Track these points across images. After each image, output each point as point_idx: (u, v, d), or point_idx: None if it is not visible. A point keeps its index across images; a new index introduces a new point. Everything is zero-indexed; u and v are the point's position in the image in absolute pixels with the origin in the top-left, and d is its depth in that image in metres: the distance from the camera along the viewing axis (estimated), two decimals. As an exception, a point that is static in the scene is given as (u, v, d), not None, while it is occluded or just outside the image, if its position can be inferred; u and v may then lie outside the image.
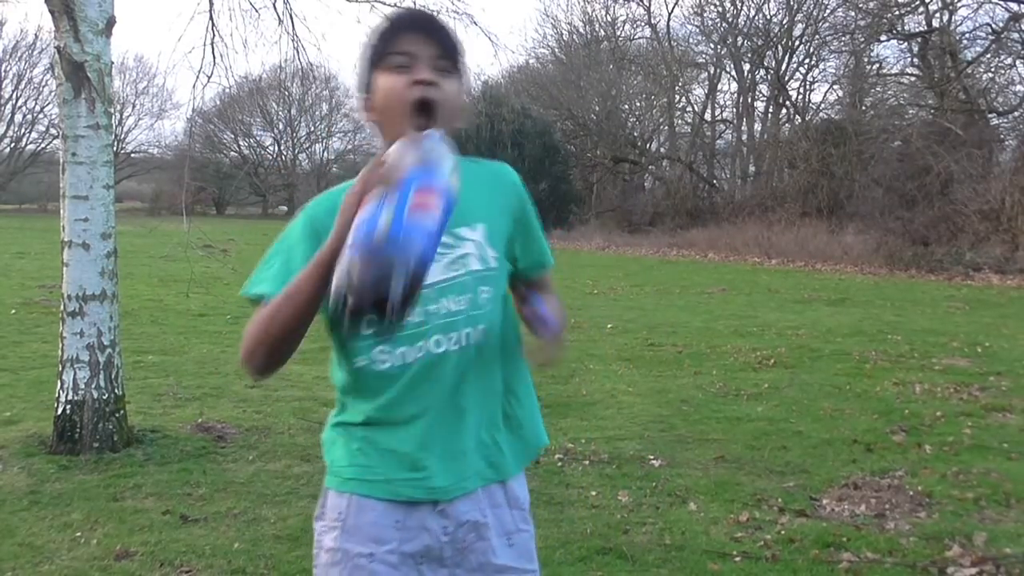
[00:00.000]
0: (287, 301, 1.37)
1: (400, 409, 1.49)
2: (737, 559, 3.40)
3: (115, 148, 6.46)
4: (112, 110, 4.84)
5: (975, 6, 28.00)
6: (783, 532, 3.68)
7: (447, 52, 1.44)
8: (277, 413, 5.55)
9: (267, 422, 5.32)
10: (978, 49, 23.30)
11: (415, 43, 1.42)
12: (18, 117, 46.44)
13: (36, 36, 43.78)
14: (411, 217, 1.18)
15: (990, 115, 23.50)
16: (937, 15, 23.29)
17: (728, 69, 33.66)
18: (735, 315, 10.98)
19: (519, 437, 1.60)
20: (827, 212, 23.51)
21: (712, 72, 34.13)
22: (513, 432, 1.59)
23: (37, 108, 46.10)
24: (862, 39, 24.73)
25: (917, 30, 23.67)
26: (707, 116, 34.47)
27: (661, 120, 36.09)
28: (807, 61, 31.62)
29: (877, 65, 27.10)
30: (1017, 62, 23.78)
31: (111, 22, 4.63)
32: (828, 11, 28.21)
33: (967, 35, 23.71)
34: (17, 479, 4.14)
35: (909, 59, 25.58)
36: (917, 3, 22.94)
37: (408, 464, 1.49)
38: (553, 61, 38.68)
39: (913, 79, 25.40)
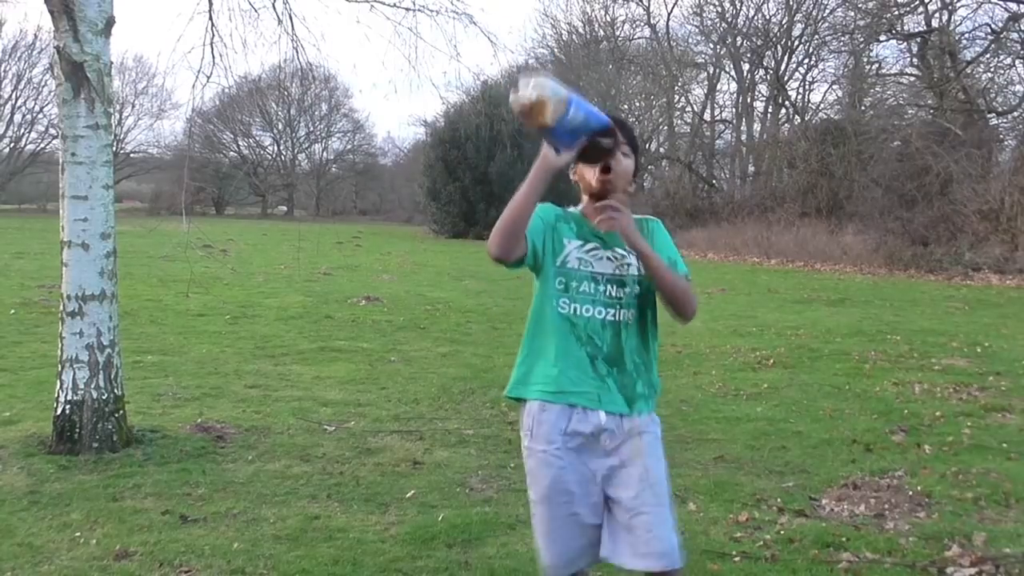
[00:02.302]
0: (513, 211, 2.12)
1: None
2: (736, 559, 3.40)
3: (114, 148, 6.45)
4: (112, 110, 4.84)
5: (974, 6, 28.04)
6: (783, 532, 3.68)
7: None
8: (277, 413, 5.55)
9: (267, 422, 5.32)
10: (977, 49, 23.33)
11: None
12: (18, 117, 46.51)
13: (36, 36, 43.82)
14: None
15: (989, 115, 23.51)
16: (936, 15, 23.32)
17: (727, 69, 33.68)
18: (735, 315, 10.98)
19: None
20: (827, 212, 23.52)
21: (711, 72, 34.15)
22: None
23: (37, 108, 46.18)
24: (861, 39, 24.74)
25: (916, 30, 23.68)
26: (706, 116, 34.48)
27: (660, 120, 36.10)
28: (806, 61, 31.66)
29: (876, 65, 27.14)
30: (1016, 62, 23.80)
31: (110, 22, 4.63)
32: (827, 11, 28.24)
33: (966, 35, 23.75)
34: (17, 479, 4.13)
35: (908, 59, 25.61)
36: (916, 3, 22.95)
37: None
38: (553, 61, 38.68)
39: (912, 79, 25.42)
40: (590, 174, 2.27)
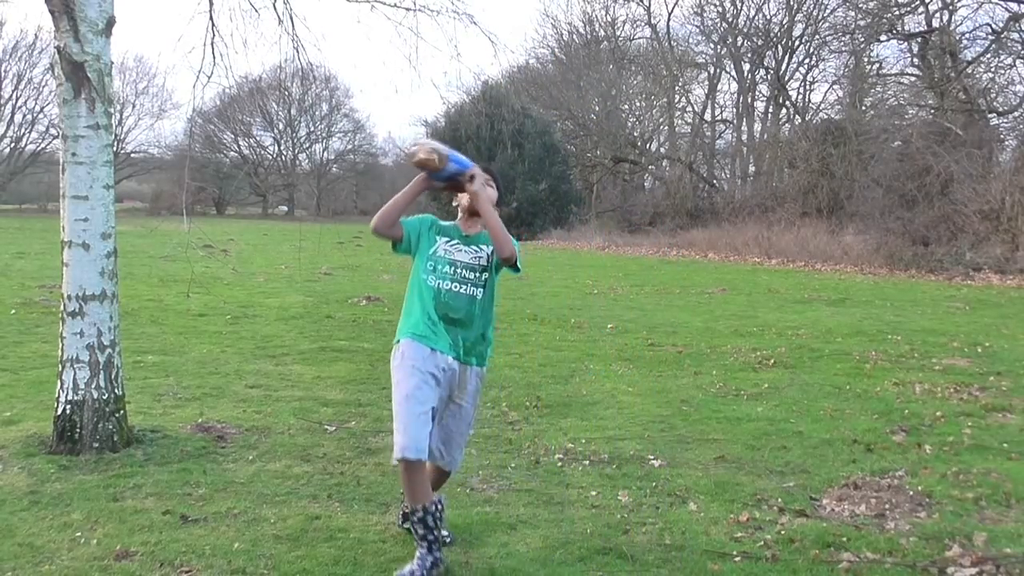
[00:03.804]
0: (392, 203, 3.36)
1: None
2: (737, 559, 3.40)
3: (115, 148, 6.45)
4: (112, 110, 4.84)
5: (975, 6, 28.12)
6: (783, 532, 3.68)
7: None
8: (277, 413, 5.55)
9: (267, 422, 5.32)
10: (978, 49, 23.36)
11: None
12: (18, 117, 46.53)
13: (36, 36, 43.93)
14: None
15: (990, 115, 23.51)
16: (937, 15, 23.33)
17: (728, 69, 33.70)
18: (735, 315, 10.98)
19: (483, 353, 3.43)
20: (827, 212, 23.52)
21: (712, 72, 34.17)
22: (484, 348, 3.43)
23: (37, 108, 46.21)
24: (862, 39, 24.75)
25: (917, 30, 23.69)
26: (707, 116, 34.50)
27: (661, 120, 36.13)
28: (807, 61, 31.69)
29: (877, 65, 27.16)
30: (1017, 62, 23.81)
31: (111, 22, 4.63)
32: (828, 11, 28.29)
33: (967, 35, 23.77)
34: (17, 479, 4.14)
35: (909, 59, 25.63)
36: (917, 3, 22.96)
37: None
38: (553, 61, 38.72)
39: (913, 79, 25.42)
40: (465, 198, 3.37)
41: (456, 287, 3.31)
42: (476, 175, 3.33)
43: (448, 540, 3.43)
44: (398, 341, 3.34)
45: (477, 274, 3.34)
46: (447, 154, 3.28)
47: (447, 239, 3.38)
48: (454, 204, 3.49)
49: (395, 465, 3.20)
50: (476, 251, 3.36)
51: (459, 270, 3.32)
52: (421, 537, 3.15)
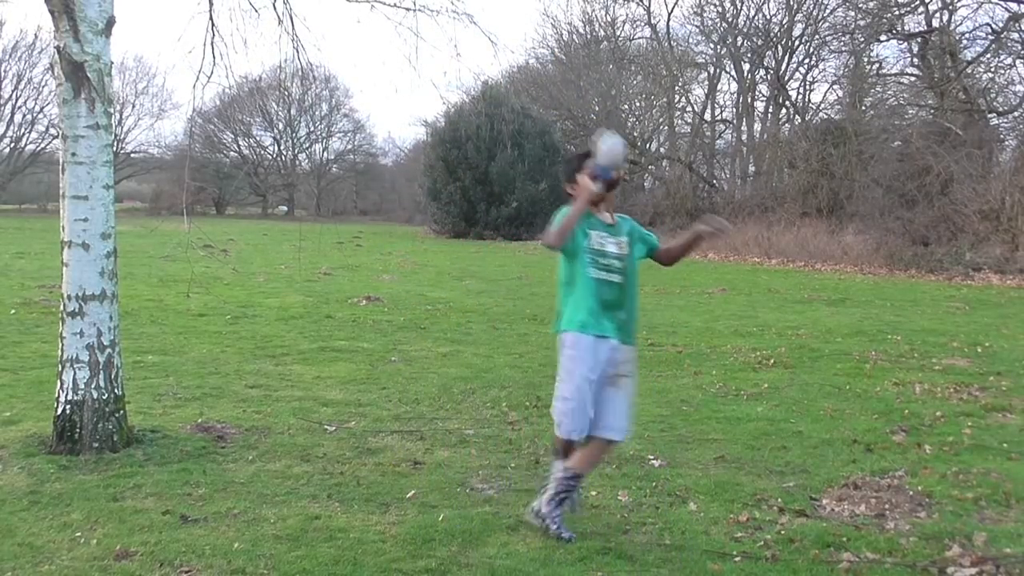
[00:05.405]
0: (568, 220, 3.60)
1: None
2: (737, 559, 3.40)
3: (115, 148, 6.45)
4: (112, 110, 4.84)
5: (975, 6, 28.13)
6: (783, 532, 3.68)
7: None
8: (277, 413, 5.55)
9: (267, 422, 5.32)
10: (978, 49, 23.34)
11: None
12: (18, 117, 46.49)
13: (36, 36, 43.89)
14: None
15: (990, 115, 23.50)
16: (937, 15, 23.32)
17: (728, 69, 33.68)
18: (735, 315, 10.98)
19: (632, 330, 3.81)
20: (827, 212, 23.51)
21: (712, 72, 34.14)
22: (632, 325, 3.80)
23: (37, 108, 46.18)
24: (862, 39, 24.74)
25: (917, 30, 23.68)
26: (707, 116, 34.48)
27: (661, 120, 36.11)
28: (807, 61, 31.66)
29: (877, 65, 27.13)
30: (1017, 62, 23.79)
31: (111, 22, 4.63)
32: (828, 11, 28.25)
33: (967, 35, 23.75)
34: (17, 479, 4.14)
35: (909, 59, 25.62)
36: (917, 3, 22.95)
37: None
38: (553, 61, 38.70)
39: (913, 79, 25.41)
40: (598, 194, 3.67)
41: (611, 276, 3.66)
42: (619, 181, 3.72)
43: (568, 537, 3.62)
44: (563, 331, 3.67)
45: (624, 262, 3.70)
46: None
47: (597, 231, 3.66)
48: (569, 190, 3.77)
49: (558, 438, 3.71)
50: (619, 240, 3.71)
51: (612, 260, 3.67)
52: (557, 492, 3.63)
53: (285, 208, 57.99)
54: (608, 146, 3.60)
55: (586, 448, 3.69)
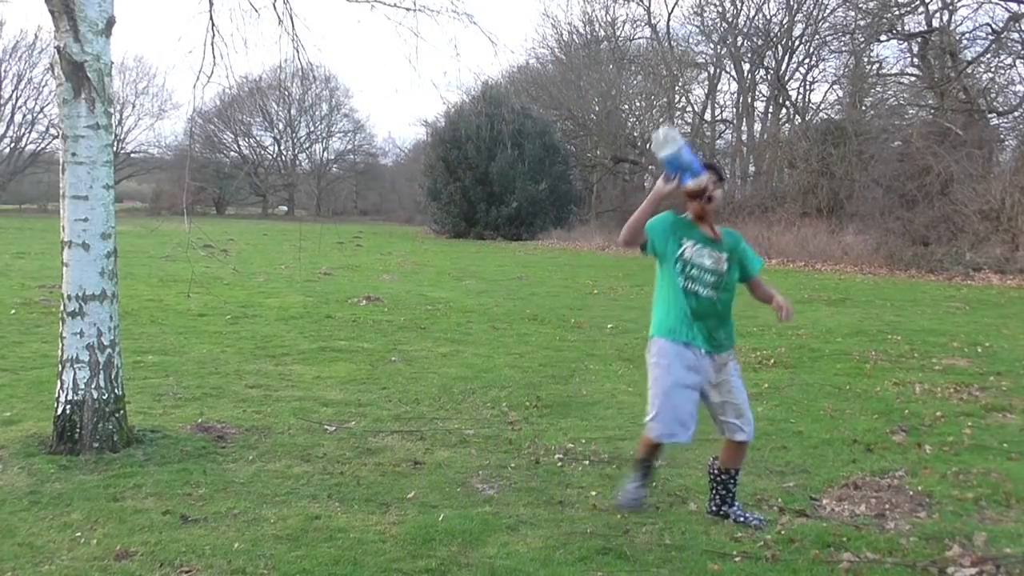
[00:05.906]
0: (637, 217, 3.67)
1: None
2: (737, 559, 3.40)
3: (115, 148, 6.45)
4: (112, 110, 4.84)
5: (975, 6, 28.11)
6: (783, 532, 3.68)
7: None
8: (277, 413, 5.55)
9: (267, 422, 5.32)
10: (978, 49, 23.33)
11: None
12: (18, 117, 46.52)
13: (36, 36, 43.93)
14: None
15: (990, 115, 23.50)
16: (937, 15, 23.31)
17: (728, 69, 33.68)
18: (735, 315, 10.95)
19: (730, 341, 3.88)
20: (827, 212, 23.50)
21: (712, 72, 34.15)
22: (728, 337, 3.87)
23: (37, 108, 46.21)
24: (862, 39, 24.74)
25: (917, 30, 23.67)
26: (707, 116, 34.49)
27: (661, 120, 36.04)
28: (807, 61, 31.65)
29: (877, 65, 27.12)
30: (1017, 62, 23.79)
31: (111, 22, 4.63)
32: (828, 11, 28.24)
33: (967, 35, 23.75)
34: (17, 479, 4.14)
35: (909, 59, 25.61)
36: (917, 3, 22.95)
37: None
38: (553, 61, 38.71)
39: (913, 79, 25.41)
40: (696, 205, 3.75)
41: (703, 290, 3.72)
42: (714, 196, 3.72)
43: (758, 523, 3.77)
44: (653, 336, 3.81)
45: (719, 277, 3.75)
46: (682, 144, 3.61)
47: (692, 242, 3.72)
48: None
49: (650, 440, 3.84)
50: (718, 256, 3.75)
51: (704, 274, 3.73)
52: (639, 473, 3.92)
53: (285, 208, 58.00)
54: (656, 139, 3.62)
55: (724, 449, 3.88)
